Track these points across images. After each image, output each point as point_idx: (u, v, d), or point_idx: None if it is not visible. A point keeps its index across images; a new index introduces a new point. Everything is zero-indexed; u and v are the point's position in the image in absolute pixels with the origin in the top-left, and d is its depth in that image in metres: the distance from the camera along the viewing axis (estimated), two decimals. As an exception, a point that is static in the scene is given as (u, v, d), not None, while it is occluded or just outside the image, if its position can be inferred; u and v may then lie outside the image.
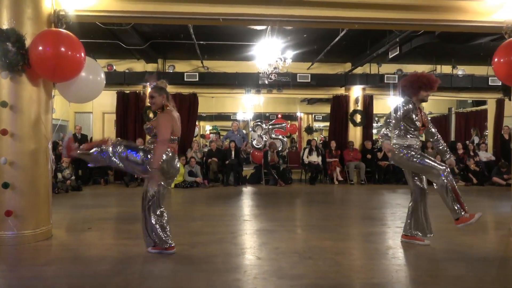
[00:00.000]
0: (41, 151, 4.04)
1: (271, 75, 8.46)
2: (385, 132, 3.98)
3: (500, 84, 6.82)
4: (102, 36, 7.86)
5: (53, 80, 4.14)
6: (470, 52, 9.02)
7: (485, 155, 10.39)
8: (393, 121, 3.88)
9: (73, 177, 8.34)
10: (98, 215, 5.48)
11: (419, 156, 3.77)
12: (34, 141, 3.96)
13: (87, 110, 11.17)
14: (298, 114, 17.34)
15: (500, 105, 10.97)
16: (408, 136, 3.83)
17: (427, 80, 3.81)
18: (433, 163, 3.71)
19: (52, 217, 4.30)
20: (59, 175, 8.06)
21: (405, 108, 3.81)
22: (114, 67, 9.86)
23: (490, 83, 9.85)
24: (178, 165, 3.65)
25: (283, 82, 9.79)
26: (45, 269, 3.20)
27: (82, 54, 3.94)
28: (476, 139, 11.86)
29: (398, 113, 3.82)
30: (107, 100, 9.91)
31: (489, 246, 4.04)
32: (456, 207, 3.61)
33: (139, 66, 10.23)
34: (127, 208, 6.37)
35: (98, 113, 10.75)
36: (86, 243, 4.11)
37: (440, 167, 3.66)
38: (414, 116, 3.81)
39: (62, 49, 3.76)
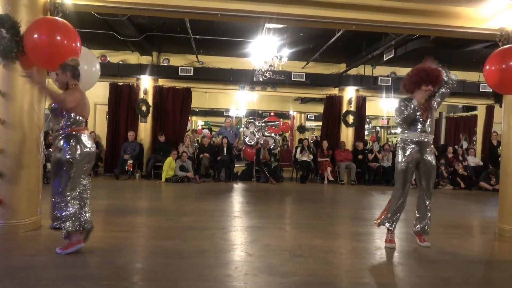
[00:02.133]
0: (33, 140, 4.00)
1: (266, 73, 8.46)
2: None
3: (491, 90, 6.93)
4: (97, 26, 7.78)
5: (48, 68, 4.09)
6: (463, 58, 9.13)
7: (473, 160, 10.56)
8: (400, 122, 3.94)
9: (62, 168, 8.24)
10: (87, 207, 5.43)
11: (404, 160, 3.89)
12: (26, 130, 3.92)
13: (78, 101, 11.03)
14: (291, 112, 17.39)
15: (490, 111, 11.15)
16: (407, 131, 3.92)
17: (426, 74, 3.77)
18: (401, 178, 3.91)
19: (41, 207, 4.26)
20: (49, 166, 7.95)
21: (405, 112, 3.82)
22: (108, 58, 9.75)
23: (481, 89, 10.02)
24: (90, 144, 3.40)
25: (277, 80, 9.82)
26: (34, 260, 3.17)
27: (78, 44, 3.90)
28: (465, 144, 12.04)
29: (401, 116, 3.86)
30: (99, 91, 9.80)
31: (476, 249, 4.12)
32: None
33: (133, 58, 10.14)
34: (117, 201, 6.33)
35: (90, 104, 10.55)
36: (76, 234, 4.07)
37: (399, 186, 3.91)
38: (417, 116, 3.84)
39: (58, 37, 3.72)
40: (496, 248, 4.30)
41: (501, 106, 4.89)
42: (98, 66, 4.35)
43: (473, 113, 12.80)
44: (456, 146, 11.72)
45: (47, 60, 3.80)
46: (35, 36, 3.67)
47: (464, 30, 4.80)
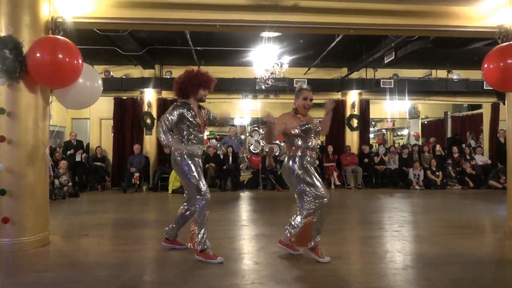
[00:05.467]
0: (39, 158, 4.04)
1: (268, 81, 8.51)
2: None
3: (494, 88, 6.87)
4: (99, 42, 7.90)
5: (51, 86, 4.15)
6: (465, 56, 9.11)
7: (481, 159, 10.46)
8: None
9: (70, 183, 8.33)
10: (95, 221, 5.47)
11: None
12: (31, 148, 3.97)
13: (84, 116, 11.17)
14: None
15: (495, 109, 11.06)
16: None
17: (206, 77, 3.67)
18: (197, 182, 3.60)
19: (49, 223, 4.30)
20: (56, 182, 8.03)
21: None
22: (111, 73, 9.89)
23: (485, 87, 9.94)
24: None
25: (280, 87, 9.85)
26: (43, 275, 3.20)
27: (80, 61, 3.95)
28: (473, 143, 11.94)
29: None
30: (104, 106, 9.93)
31: (485, 250, 4.06)
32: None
33: (136, 72, 10.26)
34: (124, 214, 6.36)
35: (95, 119, 10.75)
36: (84, 249, 4.10)
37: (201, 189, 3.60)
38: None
39: (60, 55, 3.78)
40: (506, 248, 4.24)
41: (504, 104, 4.86)
42: (100, 82, 4.40)
43: (478, 111, 12.71)
44: (464, 145, 11.63)
45: (50, 78, 3.86)
46: (38, 55, 3.74)
47: (463, 29, 4.79)
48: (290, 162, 3.57)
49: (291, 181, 3.61)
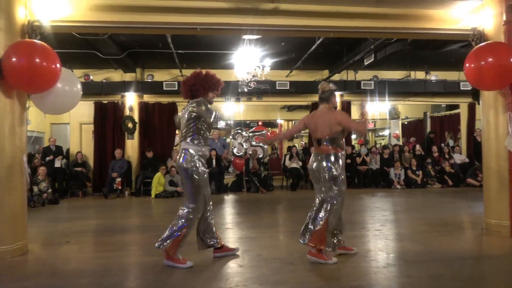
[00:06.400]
0: (16, 164, 3.94)
1: (250, 83, 8.54)
2: None
3: (470, 89, 7.09)
4: (78, 46, 7.78)
5: (28, 91, 4.06)
6: (442, 58, 9.35)
7: (459, 158, 10.73)
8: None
9: (49, 190, 8.14)
10: (76, 228, 5.37)
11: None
12: (8, 154, 3.86)
13: (63, 121, 10.95)
14: (278, 121, 17.47)
15: (472, 109, 11.37)
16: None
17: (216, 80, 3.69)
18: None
19: (28, 231, 4.19)
20: (35, 189, 7.85)
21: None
22: (91, 77, 9.74)
23: (461, 88, 10.23)
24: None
25: (262, 89, 9.88)
26: (22, 285, 3.12)
27: (58, 65, 3.88)
28: (451, 142, 12.24)
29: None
30: (84, 110, 9.77)
31: (464, 246, 4.17)
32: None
33: (117, 75, 10.14)
34: (106, 220, 6.26)
35: (75, 124, 10.55)
36: (64, 257, 4.01)
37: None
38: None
39: (37, 60, 3.70)
40: (483, 243, 4.36)
41: (479, 104, 5.00)
42: (79, 86, 4.33)
43: (456, 111, 13.04)
44: (443, 144, 11.90)
45: (27, 83, 3.78)
46: (14, 59, 3.65)
47: (438, 31, 4.93)
48: (340, 162, 3.54)
49: (328, 181, 3.52)
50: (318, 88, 3.75)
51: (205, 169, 3.56)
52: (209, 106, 3.58)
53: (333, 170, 3.51)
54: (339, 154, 3.57)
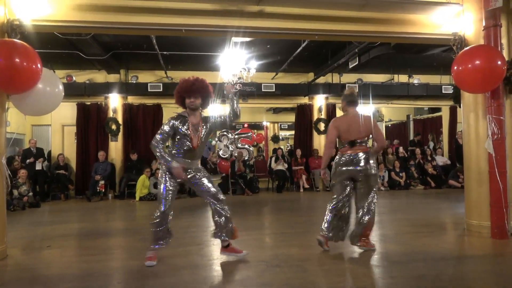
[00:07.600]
0: (-6, 167, 3.84)
1: (236, 85, 8.50)
2: None
3: (451, 92, 7.23)
4: (60, 46, 7.63)
5: (7, 92, 3.96)
6: (424, 62, 9.52)
7: (442, 160, 10.94)
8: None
9: (30, 193, 7.96)
10: (57, 232, 5.25)
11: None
12: (-14, 157, 3.76)
13: (45, 123, 10.74)
14: (264, 123, 17.50)
15: (453, 112, 11.63)
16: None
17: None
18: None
19: (7, 236, 4.08)
20: (15, 192, 7.66)
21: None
22: (74, 78, 9.57)
23: (443, 91, 10.44)
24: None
25: (248, 92, 9.89)
26: (-1, 292, 3.03)
27: (39, 65, 3.80)
28: (432, 144, 12.47)
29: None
30: (66, 112, 9.60)
31: (446, 246, 4.24)
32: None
33: (100, 76, 9.98)
34: (89, 224, 6.15)
35: (57, 125, 10.35)
36: (45, 262, 3.92)
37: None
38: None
39: (17, 60, 3.61)
40: (465, 244, 4.45)
41: (460, 107, 5.11)
42: (61, 87, 4.24)
43: (438, 114, 13.30)
44: (425, 147, 12.12)
45: (6, 84, 3.68)
46: (-8, 59, 3.56)
47: (420, 35, 5.01)
48: (374, 162, 3.90)
49: (372, 180, 3.89)
50: (344, 92, 4.19)
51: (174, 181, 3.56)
52: (169, 121, 3.55)
53: (374, 166, 3.90)
54: (371, 154, 3.93)
